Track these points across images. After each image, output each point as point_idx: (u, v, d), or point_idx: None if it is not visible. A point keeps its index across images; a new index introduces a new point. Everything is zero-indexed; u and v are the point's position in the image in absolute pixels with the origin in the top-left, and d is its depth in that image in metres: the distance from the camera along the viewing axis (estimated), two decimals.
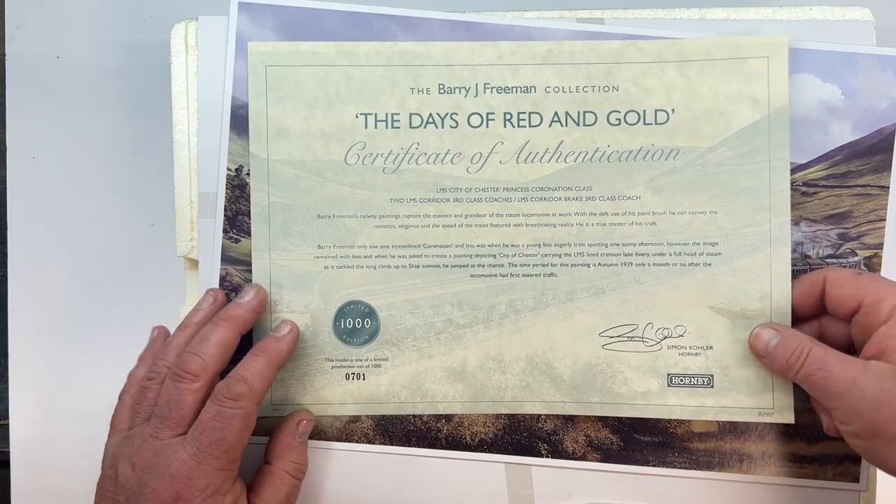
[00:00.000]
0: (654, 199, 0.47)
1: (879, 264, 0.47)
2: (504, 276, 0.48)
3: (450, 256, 0.48)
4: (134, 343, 0.48)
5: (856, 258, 0.47)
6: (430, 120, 0.47)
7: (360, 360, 0.48)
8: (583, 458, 0.49)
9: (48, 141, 0.53)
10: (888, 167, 0.47)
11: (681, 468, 0.48)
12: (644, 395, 0.48)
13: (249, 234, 0.48)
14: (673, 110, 0.47)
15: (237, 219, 0.48)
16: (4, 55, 0.53)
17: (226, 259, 0.48)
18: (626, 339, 0.48)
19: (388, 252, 0.48)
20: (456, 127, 0.47)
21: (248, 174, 0.48)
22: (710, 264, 0.47)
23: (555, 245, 0.48)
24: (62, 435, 0.52)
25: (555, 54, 0.47)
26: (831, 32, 0.48)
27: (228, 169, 0.48)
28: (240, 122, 0.48)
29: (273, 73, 0.47)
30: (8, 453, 0.52)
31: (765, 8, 0.48)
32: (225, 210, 0.48)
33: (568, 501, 0.49)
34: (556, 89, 0.47)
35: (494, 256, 0.48)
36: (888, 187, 0.47)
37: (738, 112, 0.47)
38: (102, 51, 0.53)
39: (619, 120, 0.47)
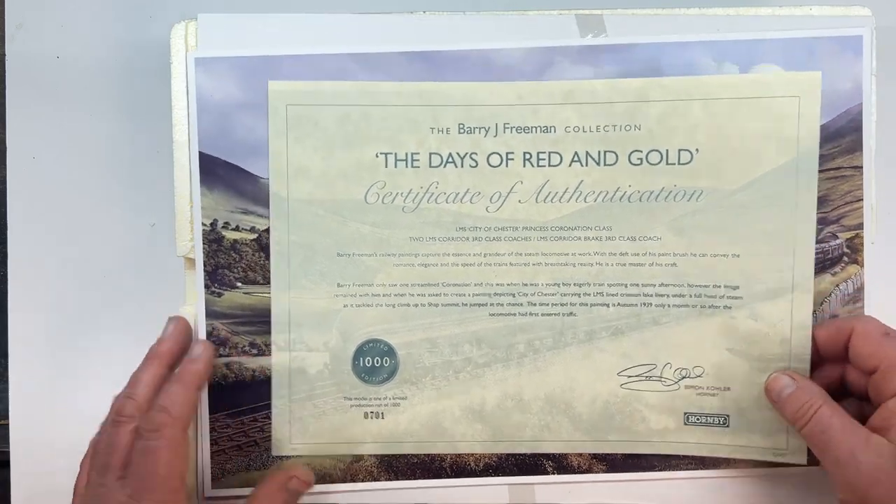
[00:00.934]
0: (675, 240, 0.47)
1: (861, 244, 0.47)
2: (523, 315, 0.48)
3: (469, 295, 0.48)
4: (134, 342, 0.47)
5: (837, 241, 0.47)
6: (450, 159, 0.47)
7: (379, 399, 0.48)
8: (588, 470, 0.49)
9: (48, 141, 0.53)
10: (859, 147, 0.46)
11: (686, 469, 0.49)
12: (661, 432, 0.48)
13: (231, 287, 0.48)
14: (697, 150, 0.46)
15: (217, 273, 0.48)
16: (4, 55, 0.52)
17: (210, 314, 0.48)
18: (644, 378, 0.48)
19: (408, 290, 0.48)
20: (475, 166, 0.47)
21: (223, 227, 0.47)
22: (730, 307, 0.47)
23: (574, 285, 0.48)
24: (62, 435, 0.52)
25: (575, 94, 0.47)
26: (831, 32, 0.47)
27: (203, 224, 0.48)
28: (210, 175, 0.47)
29: (293, 112, 0.47)
30: (8, 453, 0.52)
31: (765, 7, 0.47)
32: (204, 265, 0.48)
33: (568, 500, 0.49)
34: (577, 129, 0.47)
35: (513, 295, 0.48)
36: (861, 167, 0.46)
37: (765, 153, 0.46)
38: (102, 51, 0.53)
39: (641, 160, 0.47)
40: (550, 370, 0.48)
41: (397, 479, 0.49)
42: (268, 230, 0.48)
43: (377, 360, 0.48)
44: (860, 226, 0.47)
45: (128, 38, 0.52)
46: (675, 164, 0.47)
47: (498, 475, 0.49)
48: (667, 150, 0.47)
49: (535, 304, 0.48)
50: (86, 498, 0.41)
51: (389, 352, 0.48)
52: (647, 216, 0.47)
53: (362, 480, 0.49)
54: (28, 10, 0.53)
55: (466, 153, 0.47)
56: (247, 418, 0.48)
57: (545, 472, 0.49)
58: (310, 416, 0.48)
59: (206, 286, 0.48)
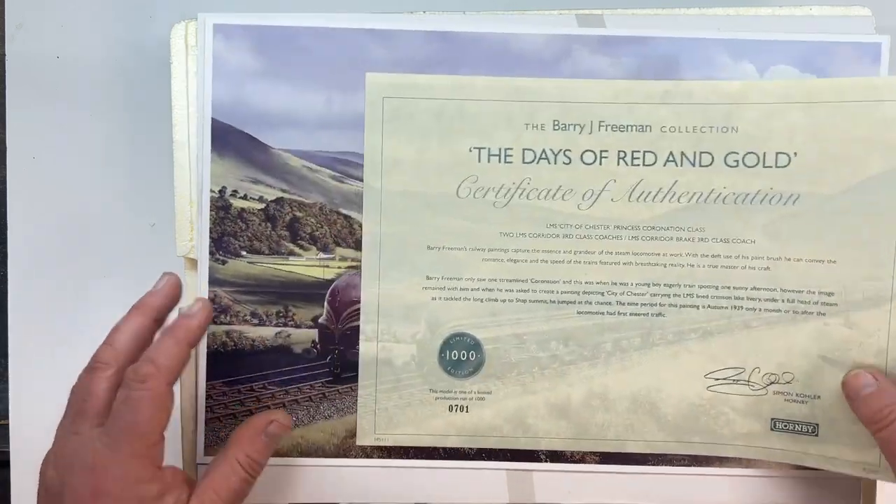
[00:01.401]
0: (769, 244, 0.46)
1: None
2: (611, 314, 0.48)
3: (557, 292, 0.48)
4: None
5: None
6: (544, 156, 0.47)
7: (464, 393, 0.48)
8: (581, 461, 0.49)
9: (48, 141, 0.53)
10: None
11: (680, 465, 0.48)
12: (746, 436, 0.47)
13: (236, 256, 0.48)
14: (795, 154, 0.46)
15: (223, 240, 0.48)
16: (4, 55, 0.52)
17: (213, 281, 0.48)
18: (731, 381, 0.48)
19: (496, 285, 0.48)
20: (569, 163, 0.47)
21: (231, 194, 0.48)
22: (824, 314, 0.46)
23: (664, 285, 0.47)
24: None
25: (672, 94, 0.46)
26: (831, 32, 0.47)
27: (212, 191, 0.48)
28: (221, 142, 0.47)
29: (390, 105, 0.47)
30: (8, 453, 0.52)
31: (765, 7, 0.47)
32: (210, 232, 0.48)
33: (569, 500, 0.49)
34: (672, 129, 0.47)
35: (602, 294, 0.48)
36: None
37: (868, 159, 0.45)
38: (102, 51, 0.52)
39: (738, 161, 0.46)
40: (637, 370, 0.48)
41: (391, 458, 0.49)
42: (276, 200, 0.48)
43: (463, 354, 0.48)
44: None
45: (128, 38, 0.53)
46: (772, 166, 0.46)
47: (491, 459, 0.49)
48: (764, 153, 0.46)
49: (623, 304, 0.48)
50: (61, 444, 0.41)
51: (476, 346, 0.48)
52: (741, 219, 0.47)
53: (355, 457, 0.49)
54: (28, 10, 0.53)
55: (560, 150, 0.47)
56: (243, 387, 0.49)
57: (539, 461, 0.49)
58: (395, 406, 0.48)
59: (211, 252, 0.48)
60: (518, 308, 0.48)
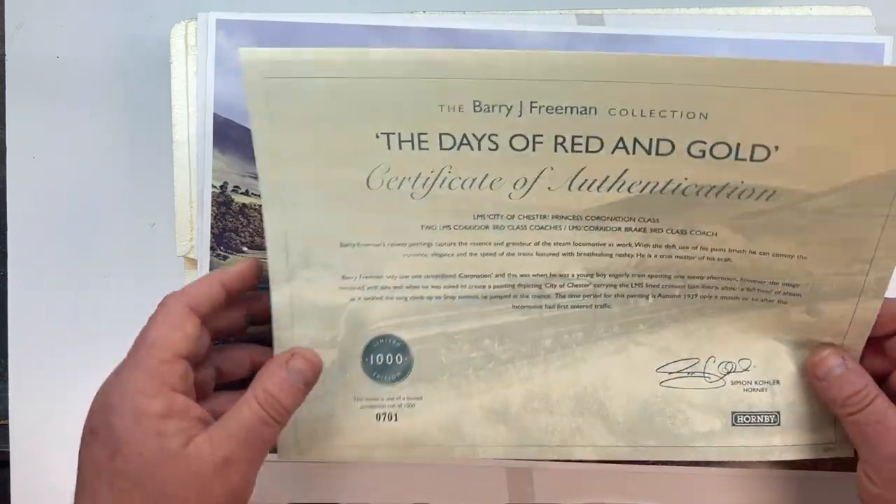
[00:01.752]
0: (733, 237, 0.40)
1: None
2: (550, 307, 0.43)
3: (489, 287, 0.42)
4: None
5: None
6: (465, 141, 0.39)
7: (392, 399, 0.44)
8: (582, 459, 0.46)
9: (48, 141, 0.52)
10: None
11: (680, 465, 0.46)
12: (706, 435, 0.44)
13: (237, 251, 0.46)
14: (777, 147, 0.38)
15: (224, 236, 0.47)
16: (4, 55, 0.52)
17: None
18: (686, 374, 0.43)
19: (421, 282, 0.42)
20: (496, 149, 0.39)
21: (233, 190, 0.46)
22: (785, 303, 0.41)
23: (610, 276, 0.42)
24: (62, 435, 0.51)
25: (624, 70, 0.37)
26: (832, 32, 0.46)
27: (213, 186, 0.46)
28: (222, 138, 0.46)
29: (273, 86, 0.39)
30: (8, 453, 0.53)
31: (765, 7, 0.46)
32: (211, 228, 0.47)
33: (569, 500, 0.49)
34: (624, 112, 0.38)
35: (540, 287, 0.42)
36: None
37: (862, 157, 0.37)
38: (102, 51, 0.52)
39: (704, 152, 0.38)
40: (581, 367, 0.43)
41: None
42: None
43: (389, 358, 0.44)
44: None
45: (128, 39, 0.52)
46: (746, 160, 0.38)
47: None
48: (737, 145, 0.38)
49: (564, 297, 0.42)
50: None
51: (402, 348, 0.43)
52: (703, 210, 0.40)
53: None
54: (28, 10, 0.52)
55: (484, 135, 0.39)
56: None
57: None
58: (316, 418, 0.44)
59: (212, 248, 0.47)
60: (447, 305, 0.43)
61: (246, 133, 0.42)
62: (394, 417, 0.44)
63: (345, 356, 0.43)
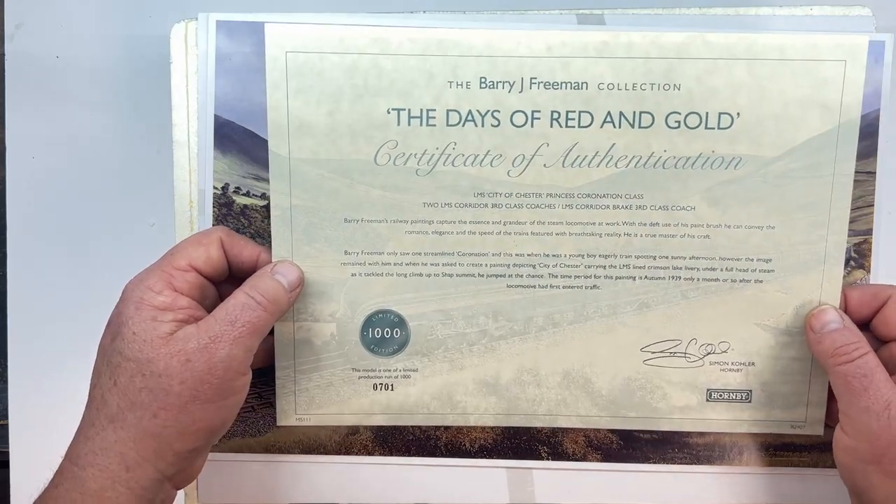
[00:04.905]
0: (709, 210, 0.44)
1: (869, 249, 0.46)
2: (543, 287, 0.45)
3: (486, 265, 0.45)
4: None
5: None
6: (470, 117, 0.43)
7: (389, 371, 0.46)
8: (583, 458, 0.47)
9: (48, 141, 0.52)
10: (874, 153, 0.45)
11: (681, 464, 0.48)
12: (682, 409, 0.46)
13: None
14: (738, 114, 0.43)
15: None
16: (4, 55, 0.52)
17: None
18: (668, 354, 0.46)
19: (420, 259, 0.45)
20: (497, 126, 0.43)
21: (234, 191, 0.45)
22: (761, 281, 0.44)
23: (599, 256, 0.44)
24: (62, 435, 0.49)
25: (611, 47, 0.42)
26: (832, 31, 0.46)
27: (215, 188, 0.46)
28: (223, 140, 0.45)
29: (294, 60, 0.42)
30: (8, 453, 0.52)
31: (765, 7, 0.46)
32: None
33: (569, 500, 0.49)
34: (611, 86, 0.43)
35: (534, 266, 0.45)
36: (874, 172, 0.45)
37: (806, 120, 0.43)
38: (102, 50, 0.51)
39: (679, 122, 0.43)
40: (570, 345, 0.45)
41: (392, 454, 0.47)
42: None
43: (387, 332, 0.45)
44: (869, 231, 0.45)
45: (127, 38, 0.52)
46: (714, 128, 0.43)
47: (493, 457, 0.47)
48: (706, 113, 0.43)
49: (556, 276, 0.45)
50: None
51: (400, 323, 0.45)
52: (681, 184, 0.43)
53: (357, 454, 0.47)
54: (28, 10, 0.52)
55: (488, 111, 0.43)
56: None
57: (539, 458, 0.48)
58: (316, 386, 0.45)
59: None
60: (444, 282, 0.45)
61: (247, 134, 0.45)
62: (390, 387, 0.46)
63: (344, 329, 0.45)
